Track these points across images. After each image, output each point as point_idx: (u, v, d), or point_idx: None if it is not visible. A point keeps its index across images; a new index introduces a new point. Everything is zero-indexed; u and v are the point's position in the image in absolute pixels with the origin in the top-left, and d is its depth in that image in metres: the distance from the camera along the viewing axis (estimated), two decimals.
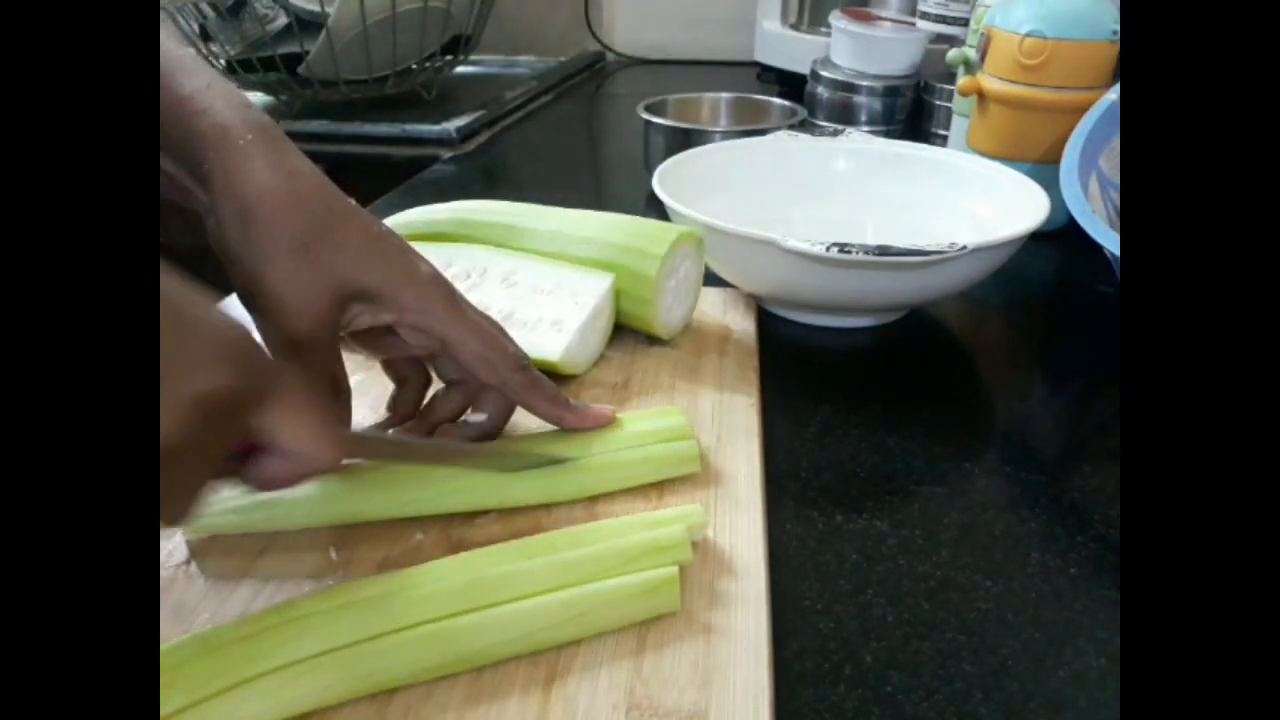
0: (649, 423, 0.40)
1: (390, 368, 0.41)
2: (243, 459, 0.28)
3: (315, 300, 0.34)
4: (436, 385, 0.41)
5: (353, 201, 0.36)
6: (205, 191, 0.34)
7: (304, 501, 0.35)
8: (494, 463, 0.37)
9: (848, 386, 0.49)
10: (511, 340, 0.39)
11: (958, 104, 0.77)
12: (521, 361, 0.38)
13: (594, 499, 0.37)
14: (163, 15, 0.96)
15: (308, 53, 0.97)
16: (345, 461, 0.37)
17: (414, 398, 0.41)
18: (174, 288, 0.25)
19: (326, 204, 0.35)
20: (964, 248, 0.45)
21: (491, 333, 0.38)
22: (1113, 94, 0.60)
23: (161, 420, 0.23)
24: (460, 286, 0.48)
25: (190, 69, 0.35)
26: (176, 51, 0.36)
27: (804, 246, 0.45)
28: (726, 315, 0.54)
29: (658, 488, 0.38)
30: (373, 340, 0.39)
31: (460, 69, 1.22)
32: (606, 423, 0.40)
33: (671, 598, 0.31)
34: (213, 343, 0.25)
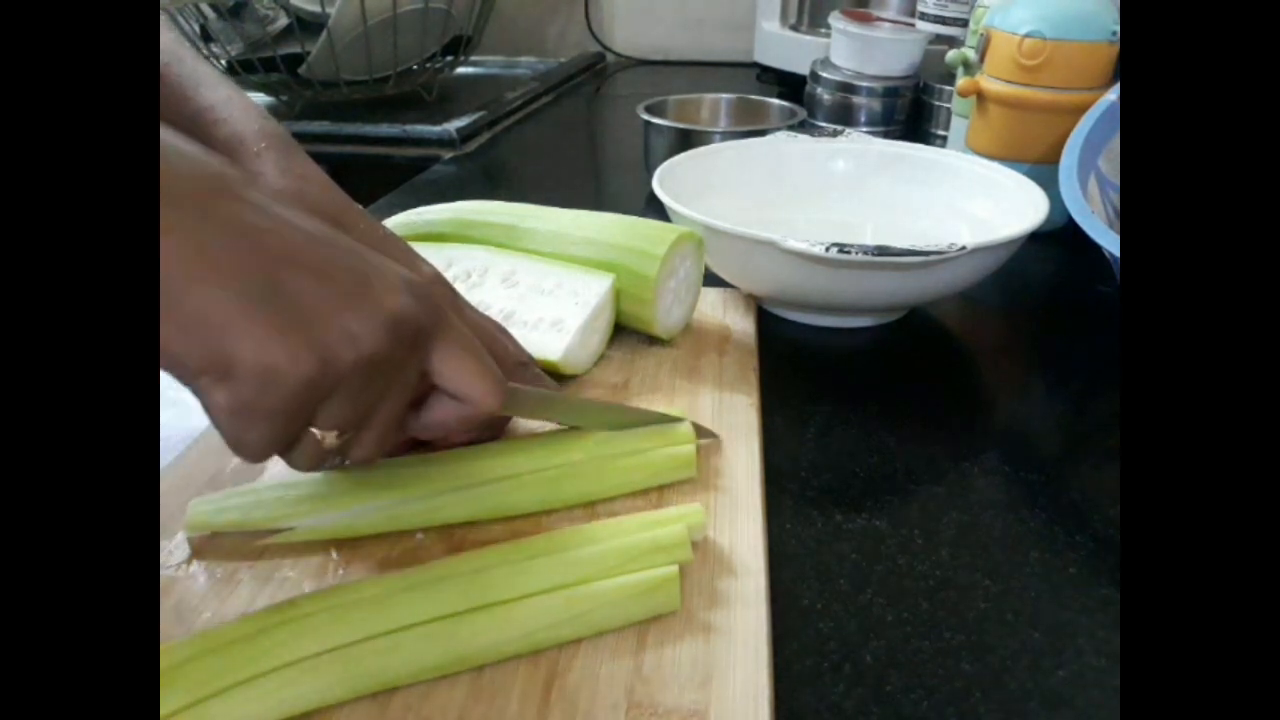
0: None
1: None
2: (415, 406, 0.32)
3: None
4: None
5: (359, 207, 0.38)
6: None
7: (305, 502, 0.35)
8: (634, 418, 0.39)
9: (848, 386, 0.49)
10: (512, 340, 0.39)
11: (957, 104, 0.77)
12: (520, 359, 0.38)
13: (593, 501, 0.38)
14: (164, 17, 0.96)
15: (308, 53, 0.97)
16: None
17: None
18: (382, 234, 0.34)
19: (333, 208, 0.36)
20: (964, 248, 0.45)
21: (491, 332, 0.38)
22: (1112, 94, 0.60)
23: (363, 331, 0.27)
24: (461, 287, 0.48)
25: (211, 83, 0.37)
26: (200, 67, 0.38)
27: (804, 247, 0.45)
28: (726, 315, 0.54)
29: (658, 488, 0.38)
30: None
31: (460, 70, 1.22)
32: None
33: (672, 597, 0.31)
34: (402, 276, 0.29)
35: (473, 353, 0.31)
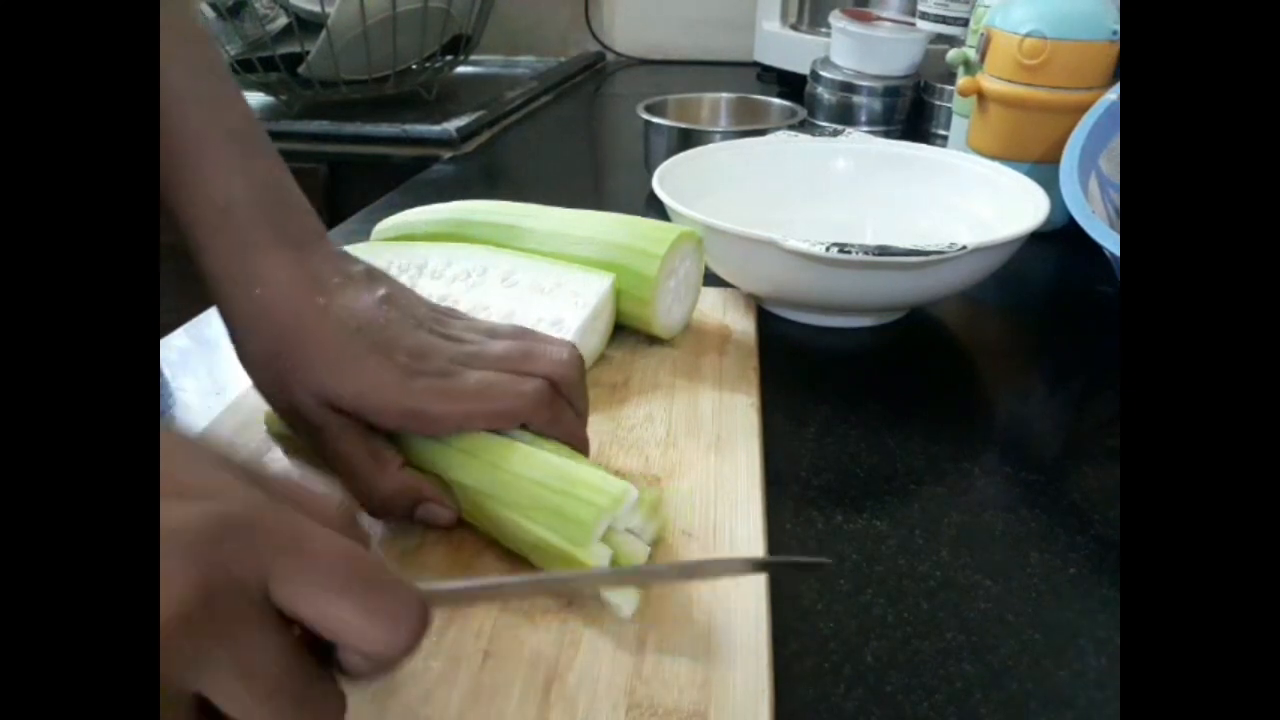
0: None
1: None
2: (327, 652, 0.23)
3: (303, 404, 0.34)
4: None
5: (321, 301, 0.34)
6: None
7: None
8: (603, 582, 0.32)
9: (848, 386, 0.49)
10: (539, 353, 0.36)
11: (958, 104, 0.77)
12: (542, 396, 0.35)
13: None
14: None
15: (308, 53, 0.97)
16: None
17: None
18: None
19: (294, 312, 0.34)
20: (964, 248, 0.45)
21: (499, 385, 0.34)
22: (1113, 94, 0.60)
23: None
24: (460, 286, 0.48)
25: (214, 142, 0.35)
26: (197, 127, 0.35)
27: (804, 246, 0.45)
28: (726, 315, 0.54)
29: (656, 483, 0.38)
30: None
31: (460, 69, 1.22)
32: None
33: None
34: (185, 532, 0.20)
35: (339, 582, 0.21)
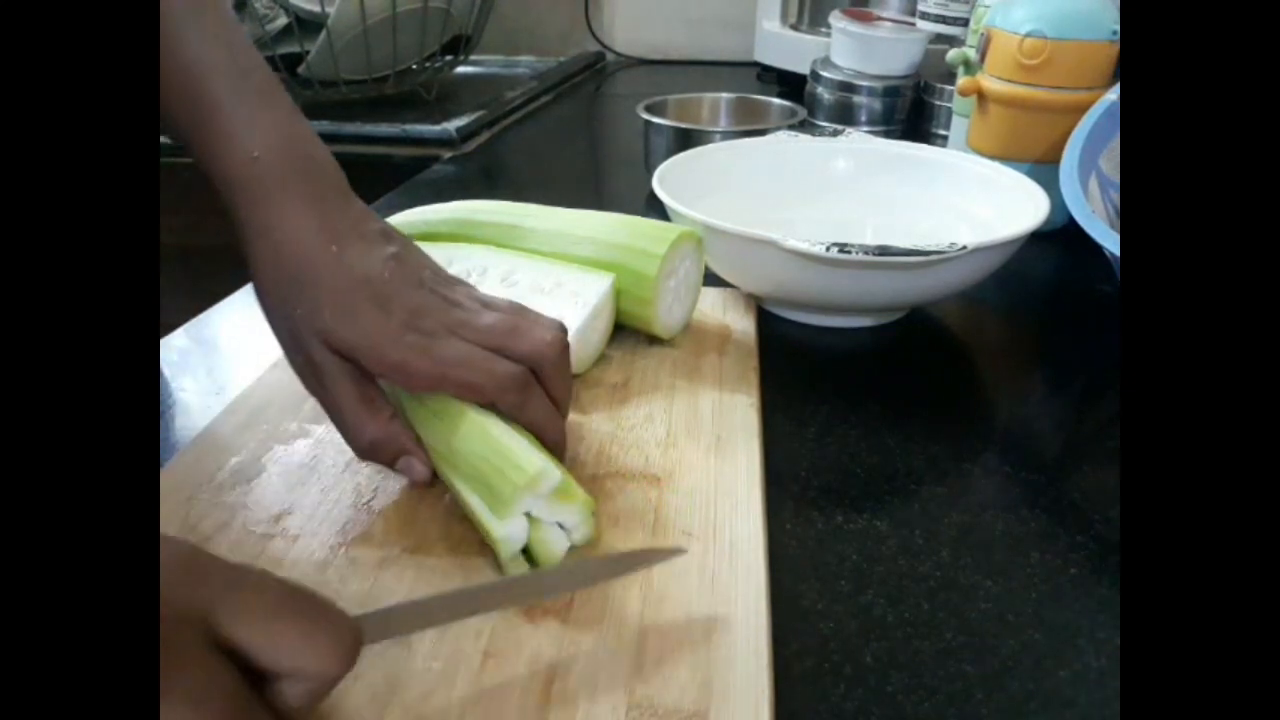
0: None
1: None
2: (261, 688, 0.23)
3: (309, 345, 0.36)
4: None
5: (334, 250, 0.36)
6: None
7: None
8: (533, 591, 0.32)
9: (848, 386, 0.49)
10: (524, 332, 0.37)
11: (958, 104, 0.77)
12: (513, 380, 0.36)
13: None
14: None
15: (308, 53, 0.97)
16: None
17: None
18: None
19: (307, 258, 0.36)
20: (964, 248, 0.45)
21: (474, 360, 0.36)
22: (1113, 94, 0.60)
23: None
24: None
25: (242, 94, 0.38)
26: (225, 83, 0.37)
27: (804, 246, 0.45)
28: (726, 315, 0.54)
29: (656, 483, 0.38)
30: None
31: (460, 69, 1.22)
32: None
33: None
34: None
35: (284, 617, 0.23)
